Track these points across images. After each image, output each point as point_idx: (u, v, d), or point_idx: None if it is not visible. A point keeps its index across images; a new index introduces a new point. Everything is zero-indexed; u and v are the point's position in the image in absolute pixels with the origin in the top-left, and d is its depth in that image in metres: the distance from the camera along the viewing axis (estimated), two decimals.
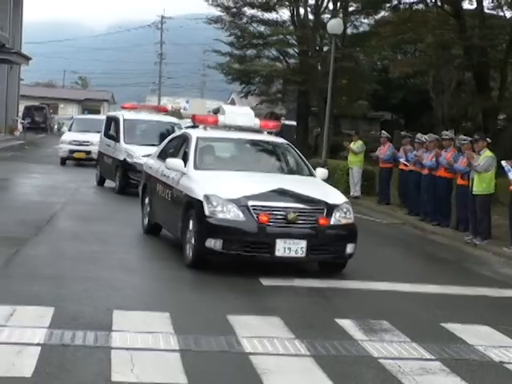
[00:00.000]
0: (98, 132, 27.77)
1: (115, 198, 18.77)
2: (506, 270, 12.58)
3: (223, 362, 6.39)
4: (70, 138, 28.61)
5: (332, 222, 10.05)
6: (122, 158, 19.15)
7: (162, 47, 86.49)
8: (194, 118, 12.85)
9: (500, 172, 14.63)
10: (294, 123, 38.39)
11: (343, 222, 10.26)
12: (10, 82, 46.71)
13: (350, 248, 10.23)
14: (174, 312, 7.73)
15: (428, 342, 7.27)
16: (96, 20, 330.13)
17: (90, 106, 77.64)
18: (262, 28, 38.39)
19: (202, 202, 9.95)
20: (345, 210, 10.35)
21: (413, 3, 31.20)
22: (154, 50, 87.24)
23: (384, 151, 20.55)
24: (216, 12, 38.64)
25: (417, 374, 6.36)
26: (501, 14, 27.53)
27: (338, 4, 35.24)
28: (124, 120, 20.40)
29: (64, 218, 14.72)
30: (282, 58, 38.38)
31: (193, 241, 10.06)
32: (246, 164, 11.67)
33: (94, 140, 26.27)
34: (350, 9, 35.41)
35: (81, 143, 28.15)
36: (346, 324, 7.84)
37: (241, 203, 9.82)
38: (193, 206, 10.25)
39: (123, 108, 23.08)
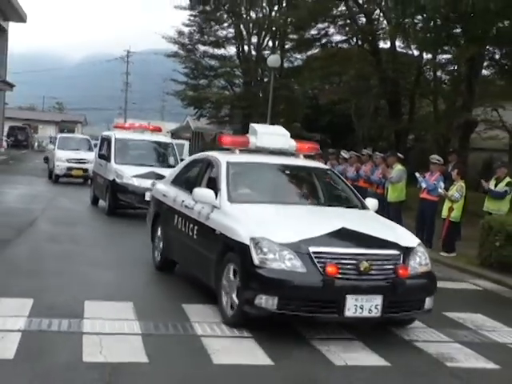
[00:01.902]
0: (88, 150, 25.92)
1: (87, 205, 18.49)
2: None
3: (178, 344, 6.36)
4: (65, 155, 25.17)
5: (411, 271, 6.92)
6: (111, 179, 15.95)
7: (127, 77, 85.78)
8: (219, 139, 9.16)
9: (413, 182, 14.87)
10: None
11: (421, 270, 7.09)
12: None
13: (428, 302, 7.11)
14: (136, 302, 7.65)
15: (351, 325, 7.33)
16: (71, 53, 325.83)
17: (66, 126, 76.48)
18: (212, 62, 38.54)
19: (248, 247, 6.74)
20: (420, 254, 7.21)
21: (338, 42, 31.80)
22: (121, 80, 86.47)
23: None
24: (173, 48, 38.74)
25: (341, 351, 6.41)
26: (410, 52, 28.05)
27: (276, 42, 35.61)
28: (115, 140, 17.18)
29: (43, 221, 14.45)
30: (229, 86, 38.63)
31: (234, 294, 6.95)
32: (289, 195, 8.64)
33: (89, 158, 23.71)
34: (286, 46, 35.85)
35: (78, 161, 25.02)
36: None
37: (300, 249, 6.63)
38: (233, 251, 7.05)
39: (116, 127, 19.61)
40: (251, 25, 36.21)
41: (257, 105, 33.57)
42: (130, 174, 15.70)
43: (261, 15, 35.91)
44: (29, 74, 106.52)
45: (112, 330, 6.53)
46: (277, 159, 8.94)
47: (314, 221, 7.52)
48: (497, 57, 21.79)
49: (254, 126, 9.22)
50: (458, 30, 19.25)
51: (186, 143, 34.12)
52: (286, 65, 36.02)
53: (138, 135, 18.26)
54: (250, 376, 5.67)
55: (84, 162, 24.73)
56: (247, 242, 6.80)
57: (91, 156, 22.57)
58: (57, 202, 18.78)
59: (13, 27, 45.93)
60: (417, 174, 14.26)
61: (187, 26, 37.92)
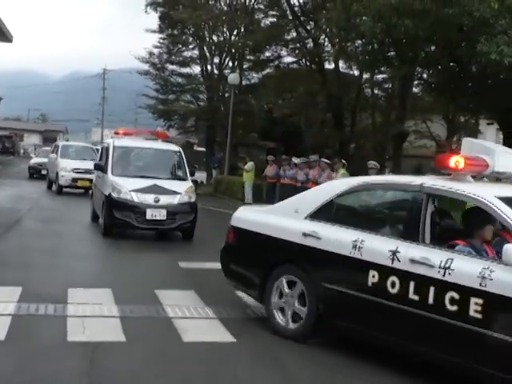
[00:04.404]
0: (93, 159, 19.69)
1: (69, 203, 18.19)
2: None
3: (152, 325, 6.35)
4: (70, 165, 21.00)
5: None
6: (107, 193, 11.96)
7: (104, 92, 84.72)
8: (442, 159, 5.38)
9: None
10: (204, 149, 38.49)
11: None
12: None
13: None
14: (114, 288, 7.60)
15: None
16: (53, 70, 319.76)
17: (49, 135, 75.15)
18: (179, 79, 38.45)
19: None
20: None
21: (289, 63, 32.09)
22: (99, 95, 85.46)
23: (271, 170, 20.77)
24: (145, 66, 38.56)
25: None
26: (351, 72, 28.42)
27: (236, 62, 35.68)
28: (114, 148, 12.88)
29: (29, 219, 14.20)
30: (194, 101, 38.53)
31: None
32: None
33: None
34: (244, 66, 35.94)
35: (85, 171, 20.39)
36: (244, 295, 7.80)
37: None
38: None
39: (116, 134, 14.58)
40: (213, 47, 36.28)
41: (219, 117, 33.61)
42: (128, 187, 11.85)
43: (222, 39, 35.99)
44: (15, 90, 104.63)
45: (93, 313, 6.48)
46: None
47: None
48: (425, 76, 22.22)
49: (485, 143, 5.70)
50: (392, 53, 19.57)
51: None
52: (244, 82, 36.08)
53: (140, 143, 13.79)
54: (215, 351, 5.70)
55: (91, 172, 18.53)
56: None
57: None
58: (40, 202, 18.44)
59: (0, 47, 45.08)
60: None
61: (157, 47, 37.84)
